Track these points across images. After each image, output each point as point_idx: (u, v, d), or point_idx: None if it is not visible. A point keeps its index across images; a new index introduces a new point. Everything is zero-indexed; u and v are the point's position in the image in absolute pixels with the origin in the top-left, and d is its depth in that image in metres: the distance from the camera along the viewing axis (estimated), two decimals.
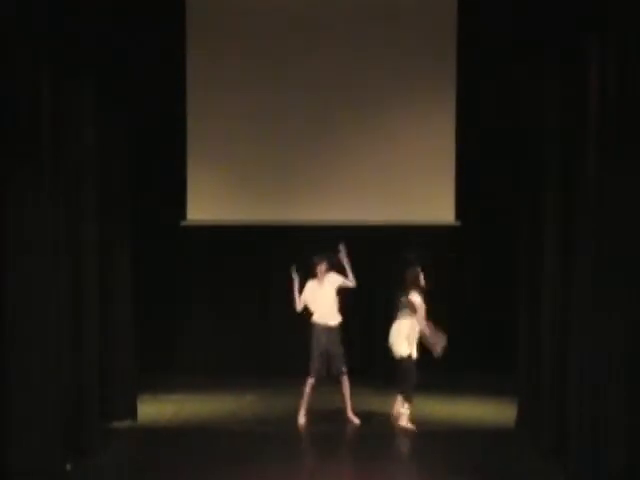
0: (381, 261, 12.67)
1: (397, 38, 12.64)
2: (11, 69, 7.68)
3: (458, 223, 12.84)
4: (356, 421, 10.27)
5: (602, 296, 7.55)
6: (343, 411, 10.31)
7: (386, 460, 9.04)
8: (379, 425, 10.25)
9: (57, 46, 8.13)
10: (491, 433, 9.97)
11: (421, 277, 10.22)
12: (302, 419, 10.23)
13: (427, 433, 9.95)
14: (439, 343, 10.07)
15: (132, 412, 10.33)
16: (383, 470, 8.78)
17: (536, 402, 9.38)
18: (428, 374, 10.68)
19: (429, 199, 12.82)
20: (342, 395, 10.31)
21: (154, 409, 10.91)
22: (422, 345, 10.15)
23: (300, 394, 10.23)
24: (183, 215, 12.87)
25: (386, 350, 10.23)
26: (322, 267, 10.50)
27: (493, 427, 10.23)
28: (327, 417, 10.44)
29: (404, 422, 10.00)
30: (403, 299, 10.17)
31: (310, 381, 10.26)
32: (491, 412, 10.94)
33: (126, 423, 10.13)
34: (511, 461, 8.88)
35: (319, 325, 10.38)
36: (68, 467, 8.23)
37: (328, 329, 10.36)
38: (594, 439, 7.61)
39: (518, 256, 10.28)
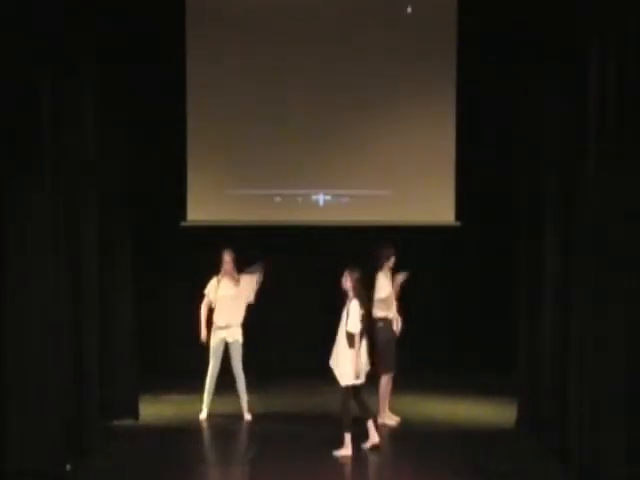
0: None
1: (397, 39, 12.66)
2: (11, 69, 7.69)
3: (458, 223, 12.86)
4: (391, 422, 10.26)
5: (602, 296, 7.55)
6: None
7: (386, 460, 9.04)
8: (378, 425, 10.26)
9: (57, 46, 8.13)
10: (491, 433, 9.96)
11: (348, 282, 8.99)
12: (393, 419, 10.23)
13: (427, 433, 9.94)
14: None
15: (133, 412, 10.33)
16: (383, 470, 8.79)
17: (536, 402, 9.38)
18: (428, 374, 10.70)
19: (429, 199, 12.83)
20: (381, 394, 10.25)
21: (155, 409, 10.90)
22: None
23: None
24: (183, 216, 12.88)
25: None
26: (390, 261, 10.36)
27: (493, 427, 10.22)
28: (327, 417, 10.43)
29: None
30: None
31: (389, 376, 10.16)
32: (491, 412, 10.93)
33: (127, 423, 10.12)
34: (511, 461, 8.87)
35: (391, 321, 10.26)
36: (68, 467, 8.22)
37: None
38: (594, 439, 7.61)
39: (518, 256, 10.28)
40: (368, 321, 9.15)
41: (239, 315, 10.47)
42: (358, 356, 8.84)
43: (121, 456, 9.03)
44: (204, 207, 12.89)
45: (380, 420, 10.22)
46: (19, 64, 7.70)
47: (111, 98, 9.88)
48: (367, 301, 9.19)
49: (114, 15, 9.82)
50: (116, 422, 10.02)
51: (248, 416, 10.44)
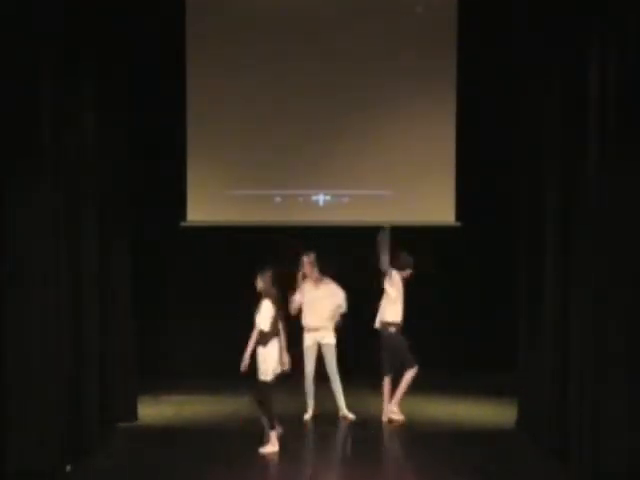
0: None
1: (397, 39, 12.65)
2: (11, 69, 7.68)
3: (458, 224, 12.85)
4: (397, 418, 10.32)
5: (602, 296, 7.55)
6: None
7: (386, 460, 9.04)
8: (379, 426, 10.25)
9: (57, 46, 8.13)
10: (491, 433, 9.96)
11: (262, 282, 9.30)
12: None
13: (427, 433, 9.94)
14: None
15: (133, 413, 10.32)
16: (383, 470, 8.79)
17: (536, 402, 9.38)
18: (428, 375, 10.68)
19: (429, 200, 12.83)
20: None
21: (154, 410, 10.91)
22: None
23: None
24: (183, 216, 12.87)
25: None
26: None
27: (493, 427, 10.22)
28: (327, 418, 10.44)
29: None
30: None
31: (389, 378, 10.34)
32: (491, 412, 10.93)
33: (126, 424, 10.11)
34: (511, 461, 8.87)
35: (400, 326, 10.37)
36: (68, 468, 8.22)
37: None
38: (594, 439, 7.61)
39: (518, 256, 10.27)
40: (278, 323, 9.25)
41: (331, 317, 10.47)
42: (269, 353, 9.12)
43: (121, 456, 9.04)
44: (204, 207, 12.88)
45: (384, 418, 10.22)
46: (19, 64, 7.70)
47: (111, 98, 9.88)
48: (281, 302, 9.38)
49: (114, 15, 9.81)
50: (116, 422, 10.01)
51: (350, 415, 10.42)
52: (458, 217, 12.85)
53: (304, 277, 10.47)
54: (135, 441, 9.58)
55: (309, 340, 10.46)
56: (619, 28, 7.48)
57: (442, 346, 12.92)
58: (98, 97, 9.31)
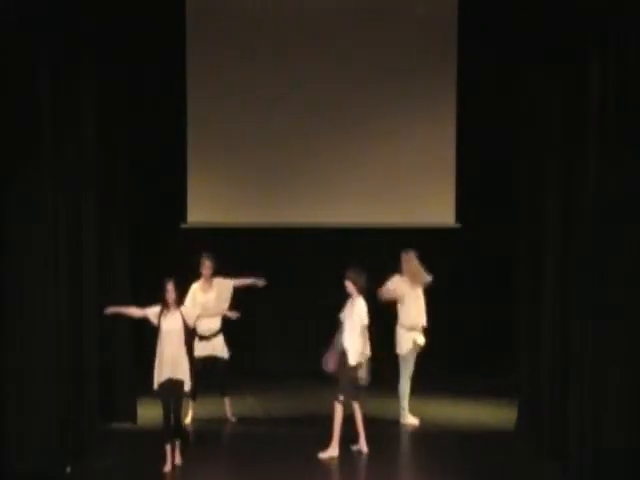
0: (381, 263, 12.65)
1: (397, 39, 12.65)
2: (11, 69, 7.69)
3: (458, 225, 12.84)
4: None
5: (602, 296, 7.55)
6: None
7: (386, 461, 9.02)
8: (378, 427, 10.24)
9: (57, 46, 8.14)
10: (491, 433, 9.96)
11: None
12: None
13: (427, 435, 9.94)
14: None
15: (132, 414, 10.31)
16: (383, 471, 8.77)
17: (536, 402, 9.37)
18: (428, 376, 10.68)
19: (429, 201, 12.82)
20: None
21: (153, 411, 10.88)
22: None
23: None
24: (183, 217, 12.86)
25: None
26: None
27: (493, 428, 10.22)
28: (327, 418, 10.42)
29: None
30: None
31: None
32: (491, 413, 10.92)
33: (126, 425, 10.10)
34: (511, 462, 8.87)
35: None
36: (68, 469, 8.22)
37: None
38: (594, 439, 7.61)
39: (518, 256, 10.27)
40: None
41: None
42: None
43: (120, 458, 9.03)
44: (204, 209, 12.87)
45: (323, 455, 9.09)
46: (19, 64, 7.70)
47: (111, 98, 9.88)
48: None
49: (114, 15, 9.82)
50: (115, 424, 10.00)
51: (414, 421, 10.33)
52: (458, 218, 12.85)
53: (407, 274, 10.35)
54: (134, 443, 9.57)
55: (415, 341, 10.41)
56: (619, 28, 7.48)
57: (442, 347, 12.90)
58: (98, 97, 9.32)
